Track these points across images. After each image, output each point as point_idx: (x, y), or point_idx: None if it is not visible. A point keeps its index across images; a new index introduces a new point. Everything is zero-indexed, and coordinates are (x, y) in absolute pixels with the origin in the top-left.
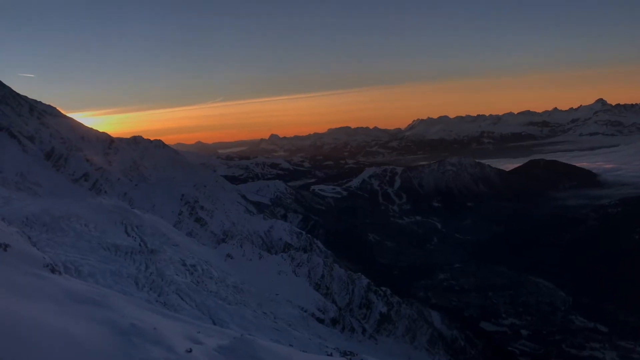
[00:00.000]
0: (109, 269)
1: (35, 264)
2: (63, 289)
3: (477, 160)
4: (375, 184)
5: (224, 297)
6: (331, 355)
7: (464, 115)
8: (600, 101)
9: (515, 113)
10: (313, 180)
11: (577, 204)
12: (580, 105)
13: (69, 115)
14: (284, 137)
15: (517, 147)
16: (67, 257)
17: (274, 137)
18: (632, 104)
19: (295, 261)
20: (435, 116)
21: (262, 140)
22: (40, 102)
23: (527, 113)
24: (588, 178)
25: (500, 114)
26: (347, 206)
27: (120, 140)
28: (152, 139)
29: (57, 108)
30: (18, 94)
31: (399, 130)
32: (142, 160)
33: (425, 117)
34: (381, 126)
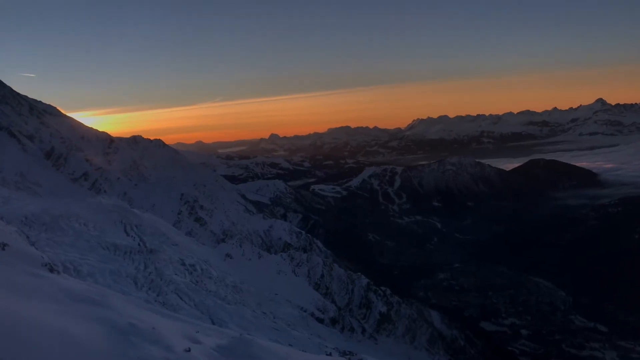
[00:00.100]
0: (108, 268)
1: (33, 263)
2: (61, 288)
3: (477, 160)
4: (375, 183)
5: (223, 297)
6: (330, 355)
7: (464, 115)
8: (600, 101)
9: (515, 113)
10: (313, 179)
11: (577, 203)
12: (580, 105)
13: (69, 114)
14: (284, 137)
15: (517, 146)
16: (66, 257)
17: (273, 137)
18: (631, 104)
19: (294, 261)
20: (435, 116)
21: (262, 139)
22: (40, 101)
23: (527, 113)
24: (588, 178)
25: (500, 113)
26: (347, 206)
27: (120, 139)
28: (151, 138)
29: (57, 107)
30: (18, 94)
31: (399, 129)
32: (141, 159)
33: (425, 117)
34: (381, 126)
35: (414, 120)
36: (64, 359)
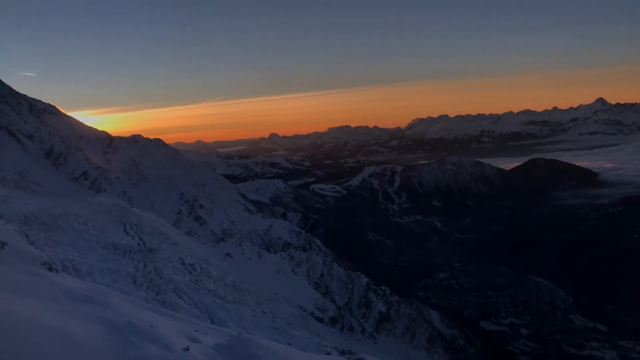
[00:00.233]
0: (107, 267)
1: (32, 262)
2: (60, 287)
3: (477, 160)
4: (375, 183)
5: (223, 296)
6: (330, 354)
7: (464, 114)
8: (600, 100)
9: (515, 112)
10: (313, 179)
11: (577, 203)
12: (580, 105)
13: (69, 114)
14: (284, 136)
15: (517, 146)
16: (65, 256)
17: (273, 136)
18: (632, 103)
19: (294, 260)
20: (435, 115)
21: (261, 139)
22: (39, 100)
23: (527, 112)
24: (588, 177)
25: (500, 113)
26: (347, 205)
27: (120, 139)
28: (151, 137)
29: (57, 107)
30: (17, 93)
31: (399, 129)
32: (141, 159)
33: (425, 116)
34: (381, 125)
35: (414, 119)
36: (63, 358)
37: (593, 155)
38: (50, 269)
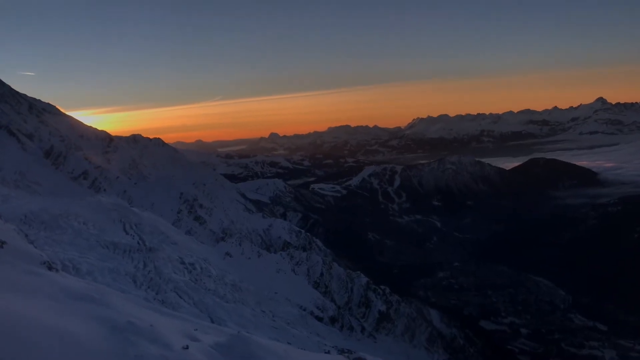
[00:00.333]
0: (107, 266)
1: (32, 261)
2: (60, 286)
3: (477, 159)
4: (375, 182)
5: (222, 295)
6: (329, 353)
7: (464, 114)
8: (600, 100)
9: (515, 112)
10: (313, 178)
11: (577, 202)
12: (580, 104)
13: (68, 113)
14: (284, 136)
15: (517, 145)
16: (65, 255)
17: (273, 136)
18: (632, 103)
19: (294, 260)
20: (435, 115)
21: (261, 138)
22: (39, 100)
23: (527, 112)
24: (588, 177)
25: (500, 112)
26: (347, 205)
27: (120, 138)
28: (151, 137)
29: (57, 106)
30: (17, 92)
31: (399, 128)
32: (141, 158)
33: (425, 116)
34: (381, 125)
35: (414, 119)
36: (62, 357)
37: (593, 155)
38: (49, 268)
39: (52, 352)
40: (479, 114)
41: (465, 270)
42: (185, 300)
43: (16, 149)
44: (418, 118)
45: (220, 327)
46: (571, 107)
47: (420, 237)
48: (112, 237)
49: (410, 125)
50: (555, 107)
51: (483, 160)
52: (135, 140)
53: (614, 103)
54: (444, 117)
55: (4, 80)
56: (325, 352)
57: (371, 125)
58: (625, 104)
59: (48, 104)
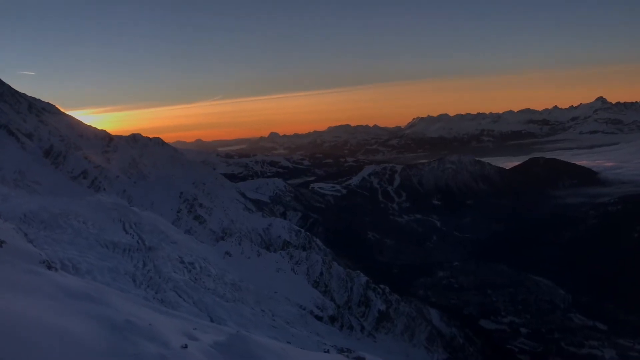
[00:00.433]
0: (107, 266)
1: (31, 261)
2: (59, 285)
3: (477, 159)
4: (375, 182)
5: (222, 295)
6: (328, 352)
7: (464, 113)
8: (601, 99)
9: (515, 111)
10: (312, 178)
11: (577, 202)
12: (581, 104)
13: (68, 112)
14: (284, 135)
15: (517, 145)
16: (64, 254)
17: (273, 135)
18: (632, 102)
19: (293, 259)
20: (435, 114)
21: (261, 138)
22: (39, 99)
23: (527, 111)
24: (588, 176)
25: (500, 112)
26: (347, 204)
27: (119, 138)
28: (151, 136)
29: (56, 106)
30: (17, 92)
31: (398, 128)
32: (141, 158)
33: (425, 115)
34: (381, 124)
35: (414, 118)
36: (61, 356)
37: (593, 154)
38: (49, 268)
39: (51, 351)
40: (479, 114)
41: (465, 269)
42: (184, 299)
43: (16, 148)
44: (418, 117)
45: (219, 326)
46: (571, 107)
47: (420, 237)
48: (112, 236)
49: (410, 125)
50: (555, 106)
51: (483, 159)
52: (135, 139)
53: (614, 102)
54: (444, 117)
55: (3, 79)
56: (325, 351)
57: (371, 125)
58: (625, 104)
59: (48, 103)
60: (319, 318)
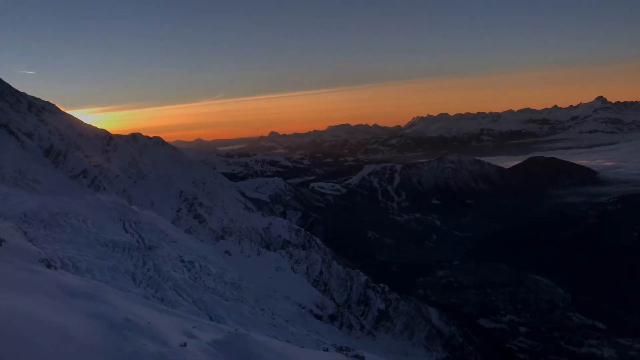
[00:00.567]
0: (107, 265)
1: (30, 259)
2: (58, 283)
3: (476, 158)
4: (375, 181)
5: (222, 293)
6: (327, 350)
7: (463, 112)
8: (600, 99)
9: (515, 111)
10: (312, 177)
11: (577, 201)
12: (580, 103)
13: (68, 112)
14: (284, 135)
15: (517, 144)
16: (64, 253)
17: (273, 135)
18: (631, 102)
19: (293, 258)
20: (435, 114)
21: (261, 137)
22: (39, 99)
23: (527, 110)
24: (588, 175)
25: (500, 111)
26: (347, 203)
27: (119, 137)
28: (151, 136)
29: (56, 105)
30: (17, 91)
31: (398, 127)
32: (141, 157)
33: (425, 115)
34: (381, 123)
35: (413, 118)
36: (59, 354)
37: (593, 154)
38: (48, 266)
39: (50, 349)
40: (478, 113)
41: (465, 268)
42: (184, 298)
43: (16, 147)
44: (418, 117)
45: (218, 324)
46: (571, 106)
47: (419, 236)
48: (112, 235)
49: (410, 124)
50: (555, 105)
51: (483, 159)
52: (135, 138)
53: (613, 102)
54: (443, 116)
55: (3, 78)
56: (324, 350)
57: (371, 124)
58: (625, 103)
59: (48, 102)
60: (319, 317)
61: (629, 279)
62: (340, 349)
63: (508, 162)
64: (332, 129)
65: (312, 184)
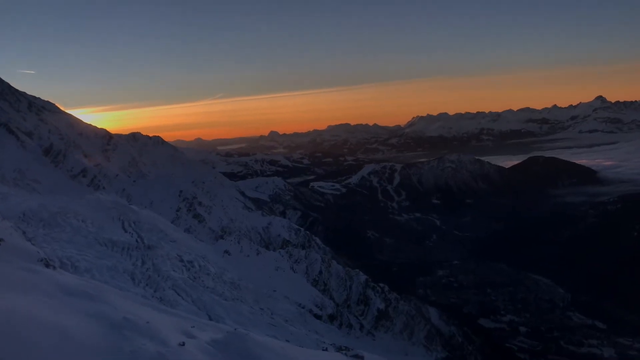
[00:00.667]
0: (106, 264)
1: (29, 259)
2: (57, 283)
3: (476, 158)
4: (375, 180)
5: (221, 293)
6: (326, 350)
7: (463, 112)
8: (600, 98)
9: (515, 110)
10: (312, 177)
11: (577, 201)
12: (580, 103)
13: (68, 111)
14: (284, 134)
15: (517, 144)
16: (63, 253)
17: (273, 134)
18: (631, 101)
19: (293, 257)
20: (434, 113)
21: (261, 137)
22: (39, 98)
23: (527, 110)
24: (587, 175)
25: (500, 111)
26: (346, 203)
27: (119, 136)
28: (150, 135)
29: (56, 104)
30: (17, 90)
31: (398, 127)
32: (140, 156)
33: (424, 114)
34: (381, 123)
35: (413, 117)
36: (58, 353)
37: (592, 153)
38: (47, 266)
39: (49, 349)
40: (478, 113)
41: (465, 268)
42: (183, 297)
43: (15, 147)
44: (418, 116)
45: (217, 324)
46: (570, 106)
47: (419, 235)
48: (111, 234)
49: (410, 124)
50: (555, 105)
51: (482, 158)
52: (134, 138)
53: (613, 101)
54: (443, 116)
55: (3, 78)
56: (324, 350)
57: (371, 124)
58: (624, 102)
59: (47, 102)
60: (318, 316)
61: (629, 278)
62: (339, 349)
63: (508, 162)
64: (332, 129)
65: (311, 184)
